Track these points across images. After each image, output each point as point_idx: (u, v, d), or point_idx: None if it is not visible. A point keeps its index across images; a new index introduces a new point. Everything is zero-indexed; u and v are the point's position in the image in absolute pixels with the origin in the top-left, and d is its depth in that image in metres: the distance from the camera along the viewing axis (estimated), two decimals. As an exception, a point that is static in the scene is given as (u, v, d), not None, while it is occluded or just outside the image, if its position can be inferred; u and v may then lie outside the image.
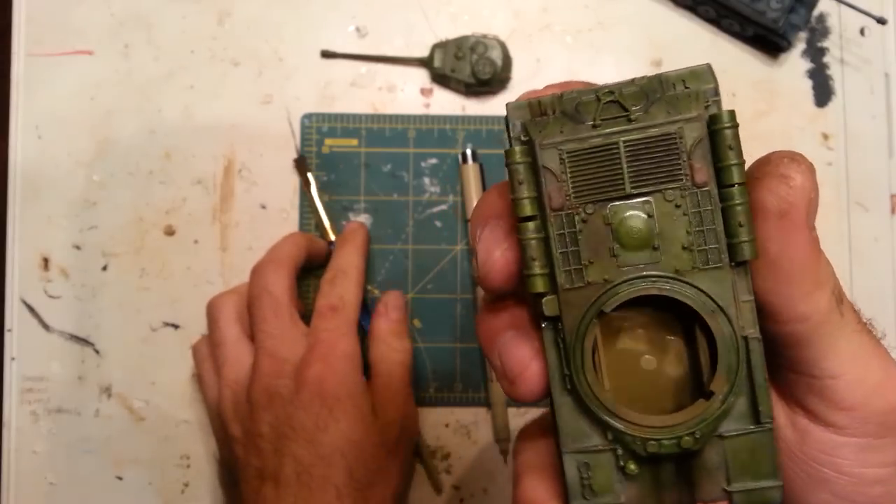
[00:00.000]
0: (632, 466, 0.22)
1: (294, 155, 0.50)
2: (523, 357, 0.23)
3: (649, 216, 0.21)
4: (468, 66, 0.49)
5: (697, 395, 0.22)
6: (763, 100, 0.51)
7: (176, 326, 0.49)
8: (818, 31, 0.51)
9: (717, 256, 0.21)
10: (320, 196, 0.49)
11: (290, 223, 0.50)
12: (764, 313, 0.22)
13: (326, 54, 0.51)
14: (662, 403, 0.22)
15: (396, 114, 0.50)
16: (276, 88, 0.51)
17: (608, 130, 0.21)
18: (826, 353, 0.22)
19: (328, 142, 0.50)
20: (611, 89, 0.21)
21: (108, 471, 0.49)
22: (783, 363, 0.23)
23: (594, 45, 0.51)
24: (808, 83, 0.51)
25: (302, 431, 0.41)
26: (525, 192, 0.22)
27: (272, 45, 0.51)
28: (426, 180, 0.50)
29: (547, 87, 0.23)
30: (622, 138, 0.21)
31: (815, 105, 0.51)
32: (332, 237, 0.49)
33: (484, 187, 0.49)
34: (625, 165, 0.21)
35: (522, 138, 0.22)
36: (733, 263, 0.21)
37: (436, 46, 0.50)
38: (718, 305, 0.21)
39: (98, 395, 0.49)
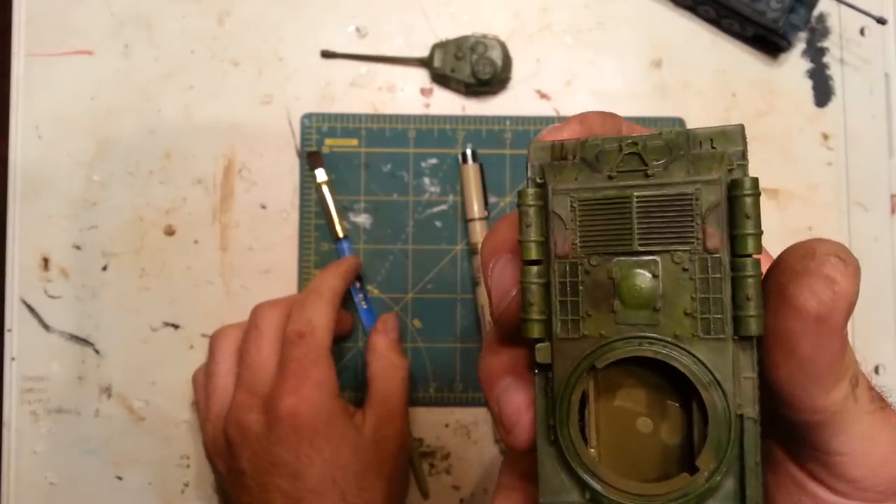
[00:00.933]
0: None
1: (294, 155, 0.50)
2: (520, 406, 0.23)
3: (654, 276, 0.20)
4: (468, 66, 0.49)
5: (686, 468, 0.21)
6: (763, 100, 0.51)
7: (176, 326, 0.49)
8: (818, 31, 0.51)
9: (720, 327, 0.20)
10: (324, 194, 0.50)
11: (290, 223, 0.50)
12: (780, 401, 0.21)
13: (326, 54, 0.51)
14: (651, 471, 0.21)
15: (396, 114, 0.50)
16: (276, 88, 0.51)
17: (623, 183, 0.21)
18: (836, 435, 0.22)
19: (328, 142, 0.50)
20: (635, 140, 0.21)
21: (108, 471, 0.49)
22: (791, 435, 0.23)
23: (594, 45, 0.51)
24: (808, 83, 0.51)
25: (283, 467, 0.40)
26: (532, 235, 0.21)
27: (272, 45, 0.51)
28: (426, 180, 0.50)
29: (571, 119, 0.23)
30: (636, 193, 0.20)
31: (815, 105, 0.51)
32: (341, 233, 0.49)
33: (484, 187, 0.49)
34: (635, 221, 0.20)
35: (538, 180, 0.22)
36: (736, 337, 0.20)
37: (436, 46, 0.50)
38: (715, 378, 0.20)
39: (98, 395, 0.49)
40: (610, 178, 0.21)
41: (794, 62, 0.51)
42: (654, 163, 0.20)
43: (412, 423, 0.49)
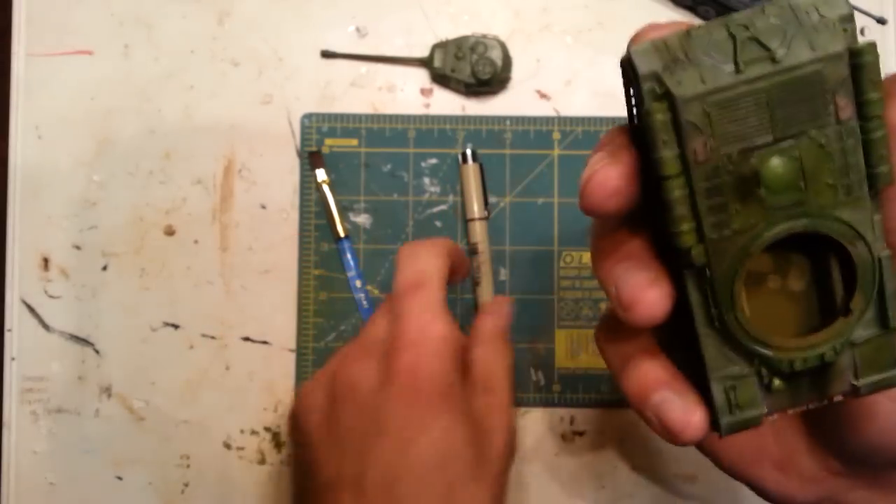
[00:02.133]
0: (777, 383, 0.24)
1: (294, 155, 0.50)
2: (639, 285, 0.23)
3: (795, 159, 0.21)
4: (468, 66, 0.49)
5: (827, 314, 0.23)
6: (763, 100, 0.51)
7: (176, 326, 0.49)
8: (818, 31, 0.51)
9: (858, 188, 0.22)
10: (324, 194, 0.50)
11: (290, 223, 0.50)
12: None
13: (326, 54, 0.51)
14: (795, 325, 0.24)
15: (396, 114, 0.50)
16: (276, 88, 0.51)
17: (754, 75, 0.21)
18: None
19: (328, 142, 0.50)
20: (743, 23, 0.21)
21: (108, 471, 0.49)
22: None
23: (594, 45, 0.51)
24: (808, 83, 0.51)
25: (393, 431, 0.34)
26: (669, 150, 0.21)
27: (272, 45, 0.51)
28: (426, 180, 0.50)
29: (666, 23, 0.23)
30: (769, 83, 0.21)
31: (815, 105, 0.51)
32: (342, 232, 0.49)
33: (484, 187, 0.49)
34: (771, 111, 0.21)
35: (658, 90, 0.21)
36: (873, 192, 0.22)
37: (436, 46, 0.50)
38: (858, 233, 0.22)
39: (98, 395, 0.49)
40: (738, 72, 0.21)
41: (794, 62, 0.51)
42: (776, 45, 0.21)
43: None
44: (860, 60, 0.21)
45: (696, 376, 0.24)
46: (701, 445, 0.29)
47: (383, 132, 0.50)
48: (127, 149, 0.50)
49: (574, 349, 0.49)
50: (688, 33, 0.21)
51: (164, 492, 0.49)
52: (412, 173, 0.50)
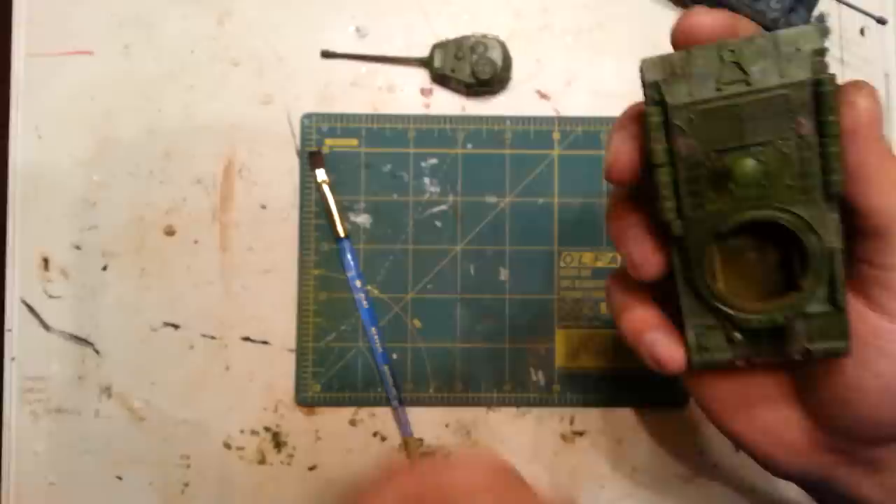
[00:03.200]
0: (736, 335, 0.29)
1: (294, 155, 0.50)
2: (645, 252, 0.29)
3: (761, 161, 0.26)
4: (468, 66, 0.49)
5: (787, 287, 0.28)
6: (763, 100, 0.51)
7: (176, 326, 0.49)
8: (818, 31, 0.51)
9: (813, 190, 0.27)
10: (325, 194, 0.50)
11: (290, 223, 0.50)
12: (848, 211, 0.27)
13: (326, 54, 0.51)
14: (759, 294, 0.29)
15: (396, 114, 0.50)
16: (276, 88, 0.51)
17: (730, 92, 0.26)
18: (893, 246, 0.27)
19: (328, 142, 0.50)
20: (732, 48, 0.26)
21: (108, 471, 0.49)
22: (858, 256, 0.28)
23: (594, 45, 0.51)
24: (808, 83, 0.51)
25: None
26: (659, 143, 0.27)
27: (272, 45, 0.51)
28: (426, 180, 0.50)
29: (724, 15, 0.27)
30: (742, 100, 0.26)
31: (815, 105, 0.51)
32: (342, 232, 0.49)
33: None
34: (742, 123, 0.26)
35: (656, 97, 0.27)
36: (826, 195, 0.27)
37: (436, 46, 0.50)
38: (811, 227, 0.27)
39: (98, 395, 0.49)
40: (718, 89, 0.26)
41: (794, 62, 0.51)
42: (753, 69, 0.26)
43: (414, 424, 0.49)
44: (821, 89, 0.26)
45: (678, 324, 0.30)
46: (693, 394, 0.34)
47: (383, 132, 0.50)
48: (127, 149, 0.50)
49: (574, 349, 0.49)
50: (689, 52, 0.27)
51: (164, 492, 0.49)
52: (412, 173, 0.50)
